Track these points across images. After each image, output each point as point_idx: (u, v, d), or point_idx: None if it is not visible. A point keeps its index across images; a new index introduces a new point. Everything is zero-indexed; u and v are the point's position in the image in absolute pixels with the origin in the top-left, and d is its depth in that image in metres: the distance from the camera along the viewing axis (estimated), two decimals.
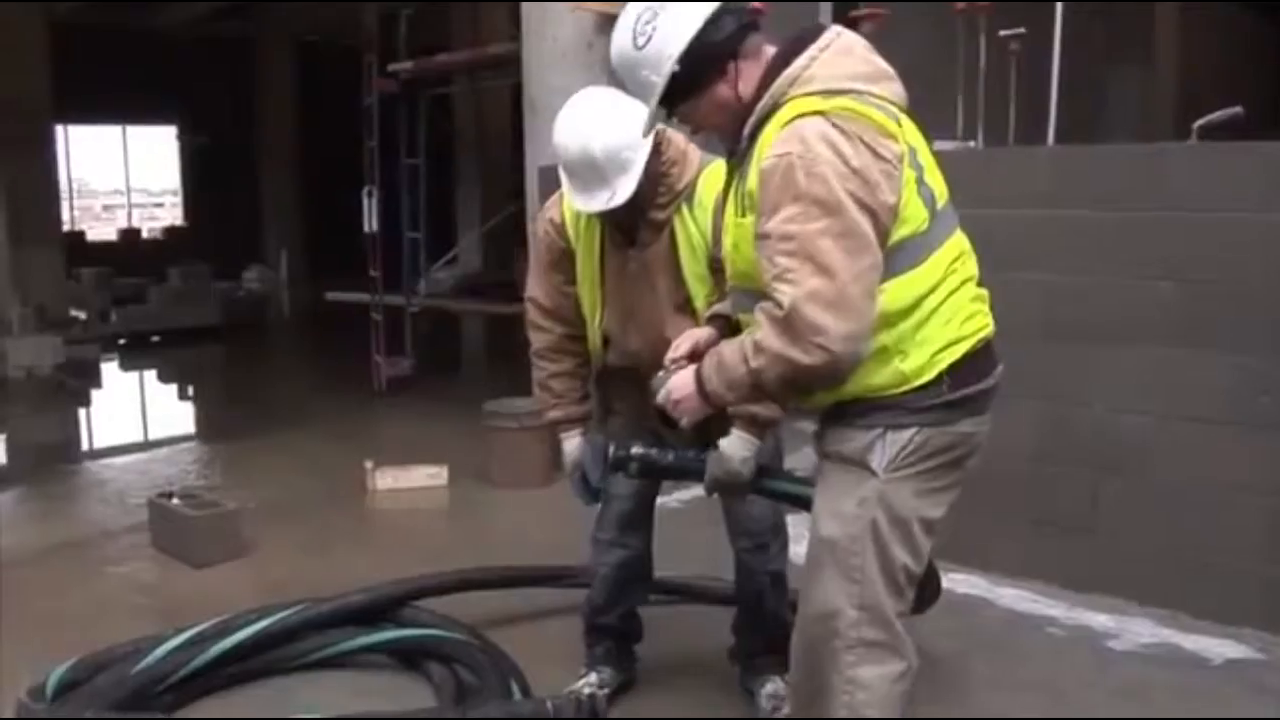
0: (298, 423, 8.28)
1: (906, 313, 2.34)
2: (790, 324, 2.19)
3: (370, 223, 9.29)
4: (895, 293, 2.31)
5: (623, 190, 3.06)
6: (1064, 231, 4.51)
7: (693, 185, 3.19)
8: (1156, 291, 4.31)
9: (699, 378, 2.43)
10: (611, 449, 3.11)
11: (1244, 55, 14.63)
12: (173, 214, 21.79)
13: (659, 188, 3.16)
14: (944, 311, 2.39)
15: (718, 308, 2.80)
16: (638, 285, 3.26)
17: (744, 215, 2.39)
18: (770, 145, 2.29)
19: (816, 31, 2.44)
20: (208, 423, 9.36)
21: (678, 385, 2.49)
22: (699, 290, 3.20)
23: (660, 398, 2.53)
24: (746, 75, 2.42)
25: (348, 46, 11.88)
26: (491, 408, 6.42)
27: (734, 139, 2.47)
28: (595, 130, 3.05)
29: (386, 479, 6.38)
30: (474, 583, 4.35)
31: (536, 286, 3.50)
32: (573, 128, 3.10)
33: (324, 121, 18.64)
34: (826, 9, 5.12)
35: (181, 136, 20.52)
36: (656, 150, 3.11)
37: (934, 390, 2.38)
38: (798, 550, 3.89)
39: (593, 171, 3.06)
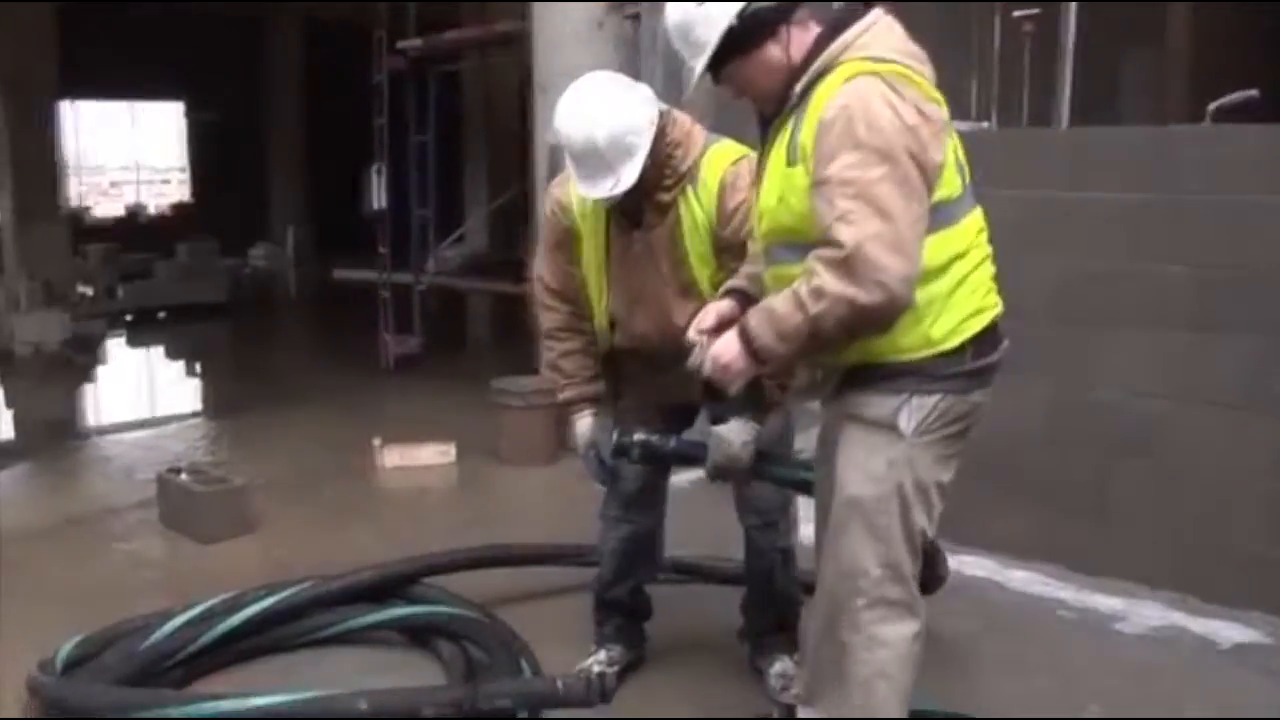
0: (305, 399, 8.28)
1: (938, 273, 2.44)
2: (852, 264, 2.28)
3: (378, 200, 9.27)
4: (931, 249, 2.40)
5: (627, 177, 3.05)
6: (1077, 214, 4.49)
7: (696, 166, 3.18)
8: (1169, 275, 4.29)
9: (746, 336, 2.48)
10: (615, 435, 3.12)
11: (1256, 38, 14.50)
12: (180, 190, 21.75)
13: (664, 170, 3.15)
14: (971, 280, 2.51)
15: (733, 282, 2.83)
16: (643, 267, 3.25)
17: (793, 165, 2.46)
18: (828, 99, 2.39)
19: (859, 11, 2.54)
20: (215, 399, 9.37)
21: (723, 350, 2.53)
22: (703, 272, 3.20)
23: (707, 369, 2.57)
24: (797, 41, 2.52)
25: (355, 24, 11.85)
26: (499, 385, 6.42)
27: (776, 103, 2.55)
28: (599, 117, 3.03)
29: (394, 456, 6.38)
30: (484, 560, 4.35)
31: (544, 266, 3.50)
32: (576, 115, 3.08)
33: (331, 99, 18.58)
34: None
35: (189, 113, 20.48)
36: (661, 132, 3.10)
37: (957, 358, 2.50)
38: (806, 530, 3.91)
39: (597, 159, 3.05)
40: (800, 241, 2.45)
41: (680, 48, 2.61)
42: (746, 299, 2.70)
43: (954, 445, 2.57)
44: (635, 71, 6.22)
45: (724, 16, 2.49)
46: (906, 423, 2.49)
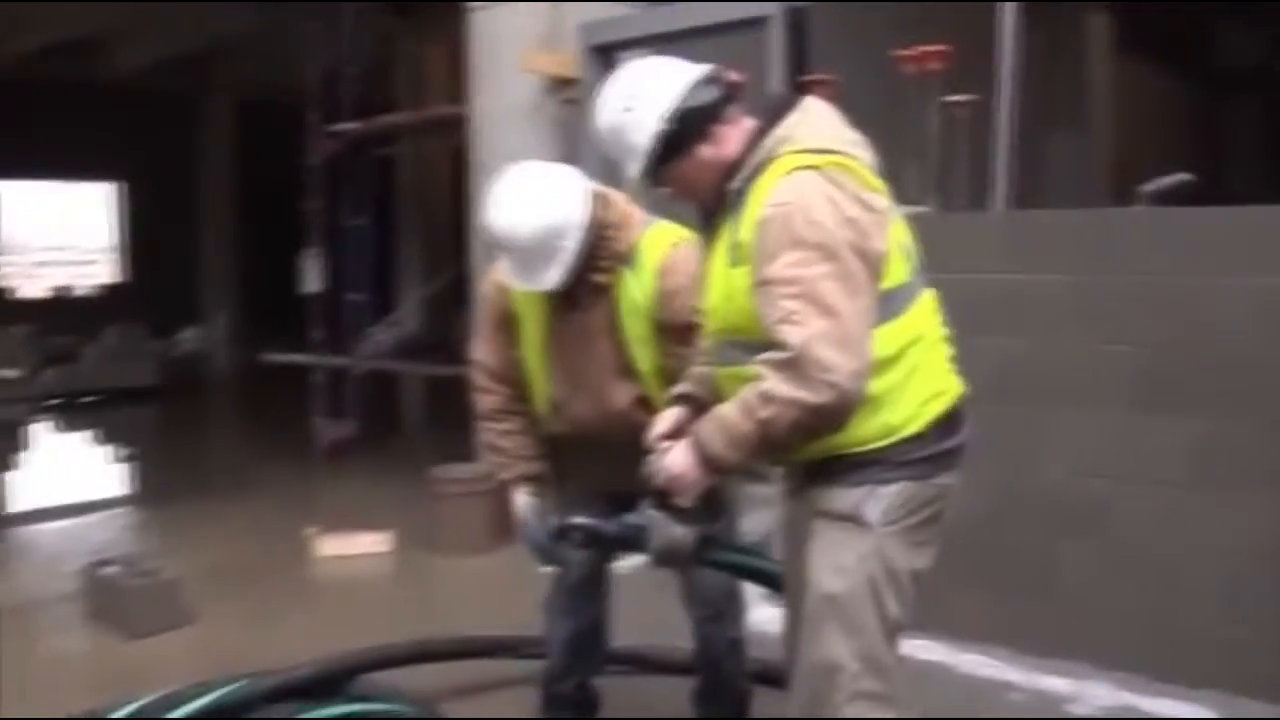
0: (238, 487, 8.11)
1: (893, 361, 2.42)
2: (800, 365, 2.25)
3: (313, 283, 9.17)
4: (882, 340, 2.38)
5: (556, 272, 3.03)
6: (1017, 296, 4.53)
7: (634, 248, 3.16)
8: (1111, 355, 4.33)
9: (697, 446, 2.44)
10: (557, 520, 3.07)
11: (1178, 120, 14.96)
12: (109, 271, 21.44)
13: (600, 252, 3.12)
14: (927, 365, 2.50)
15: (682, 388, 2.80)
16: (581, 348, 3.22)
17: (735, 266, 2.43)
18: (766, 197, 2.37)
19: (793, 99, 2.55)
20: (144, 487, 9.08)
21: (675, 461, 2.50)
22: (642, 354, 3.18)
23: (660, 480, 2.52)
24: (730, 138, 2.51)
25: (290, 105, 11.82)
26: (437, 473, 6.30)
27: (713, 201, 2.54)
28: (529, 215, 2.99)
29: (330, 546, 6.24)
30: (426, 654, 4.24)
31: (482, 348, 3.45)
32: (506, 210, 3.04)
33: (264, 181, 18.48)
34: (777, 76, 5.13)
35: (119, 194, 20.26)
36: (596, 215, 3.08)
37: (920, 443, 2.48)
38: (756, 615, 3.86)
39: (527, 254, 3.03)
40: (749, 341, 2.42)
41: (614, 153, 2.59)
42: (697, 404, 2.68)
43: (925, 531, 2.54)
44: (573, 154, 6.24)
45: (655, 121, 2.48)
46: (872, 513, 2.46)
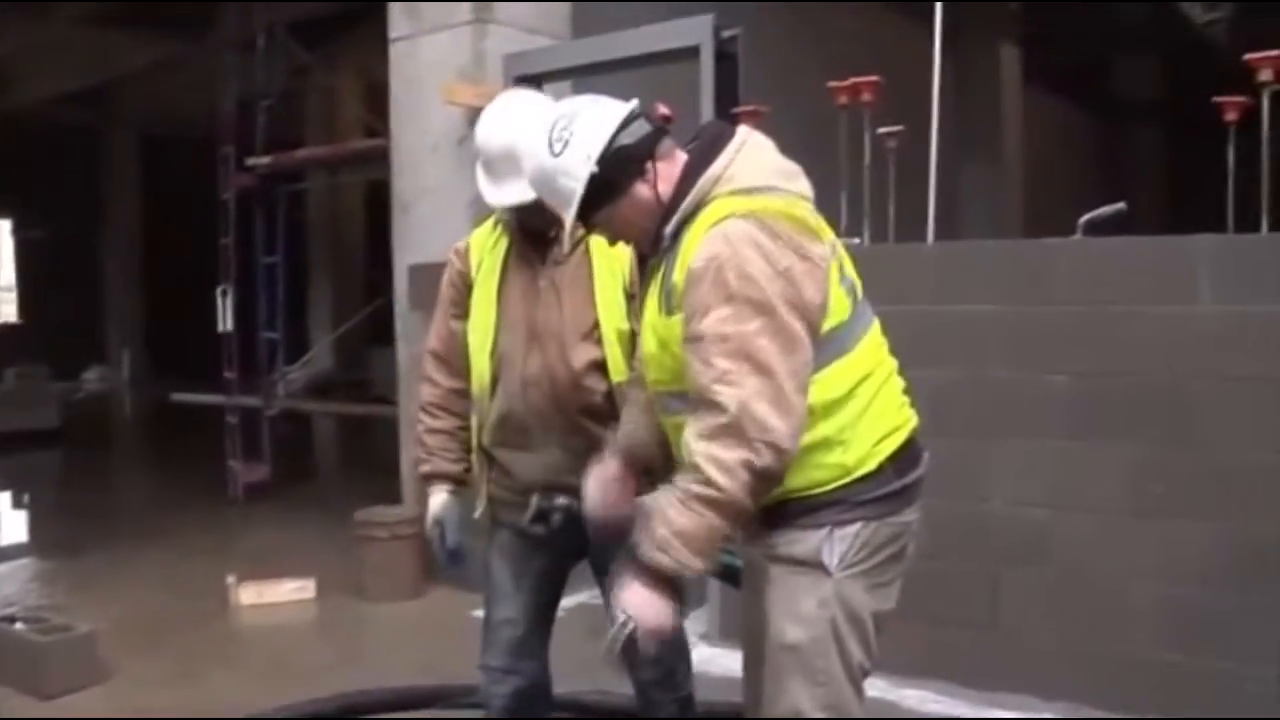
0: (149, 534, 7.78)
1: (843, 401, 2.35)
2: (738, 428, 2.16)
3: (224, 322, 8.94)
4: (830, 381, 2.32)
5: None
6: (953, 328, 4.52)
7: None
8: (1047, 384, 4.34)
9: (661, 574, 2.27)
10: (535, 500, 2.98)
11: (1083, 151, 15.32)
12: (7, 311, 20.82)
13: None
14: (880, 400, 2.43)
15: (622, 444, 2.71)
16: (546, 304, 3.08)
17: (670, 314, 2.34)
18: (697, 246, 2.27)
19: (726, 132, 2.45)
20: (49, 536, 8.55)
21: (642, 613, 2.30)
22: (610, 316, 3.04)
23: (643, 645, 2.33)
24: (664, 175, 2.41)
25: (197, 139, 11.59)
26: (362, 516, 6.11)
27: (651, 243, 2.44)
28: (522, 124, 2.88)
29: (250, 594, 6.01)
30: (358, 707, 4.08)
31: (433, 334, 3.33)
32: (497, 120, 3.00)
33: (170, 215, 18.14)
34: (708, 106, 5.08)
35: (16, 229, 19.71)
36: None
37: (877, 481, 2.40)
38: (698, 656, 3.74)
39: (510, 162, 2.91)
40: (686, 392, 2.32)
41: (545, 199, 2.49)
42: (633, 460, 2.64)
43: (887, 571, 2.46)
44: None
45: (584, 163, 2.36)
46: (830, 557, 2.38)
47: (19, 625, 4.96)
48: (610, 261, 3.06)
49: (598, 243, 3.02)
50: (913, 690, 4.52)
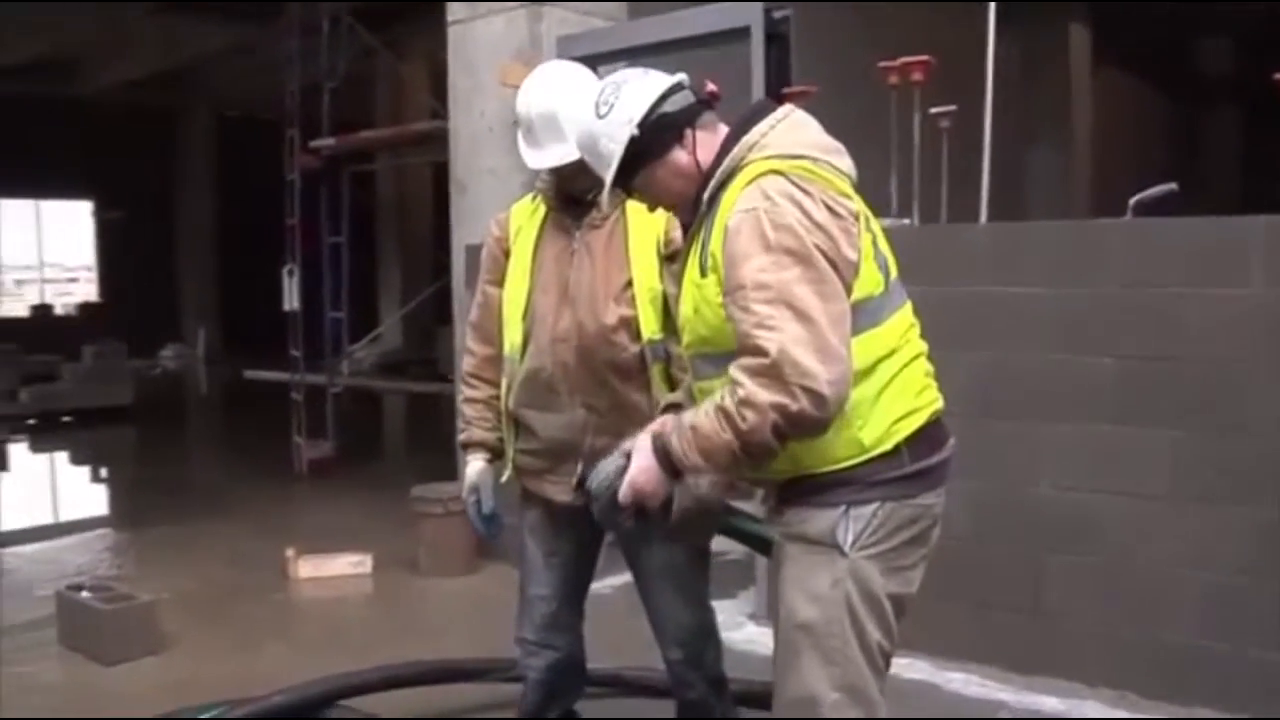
0: (215, 508, 7.97)
1: (864, 375, 2.33)
2: (778, 371, 2.16)
3: (291, 301, 9.09)
4: (855, 351, 2.30)
5: (575, 145, 2.91)
6: (1001, 309, 4.48)
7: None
8: (1094, 368, 4.29)
9: (666, 458, 2.34)
10: (580, 468, 2.93)
11: (1155, 131, 15.00)
12: (87, 290, 21.33)
13: None
14: (900, 380, 2.41)
15: (673, 397, 2.75)
16: (579, 265, 3.14)
17: (705, 275, 2.38)
18: (733, 204, 2.32)
19: (769, 107, 2.50)
20: (121, 509, 8.93)
21: (641, 478, 2.39)
22: (644, 276, 3.08)
23: (624, 494, 2.41)
24: (704, 144, 2.47)
25: (269, 121, 11.75)
26: (418, 493, 6.21)
27: (689, 209, 2.49)
28: (562, 89, 3.04)
29: (308, 568, 6.14)
30: (403, 679, 4.16)
31: (474, 305, 3.40)
32: (538, 87, 3.11)
33: (244, 196, 18.42)
34: (758, 86, 5.07)
35: (97, 211, 20.15)
36: None
37: (893, 462, 2.39)
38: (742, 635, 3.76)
39: (550, 126, 3.02)
40: (717, 353, 2.36)
41: (589, 160, 2.59)
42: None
43: (908, 553, 2.45)
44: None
45: (626, 126, 2.45)
46: (844, 537, 2.37)
47: (85, 594, 5.11)
48: (645, 224, 3.10)
49: (634, 206, 3.06)
50: (956, 673, 4.51)
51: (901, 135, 5.01)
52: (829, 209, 2.29)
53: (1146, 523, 4.22)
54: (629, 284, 3.11)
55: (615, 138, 2.46)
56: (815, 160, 2.36)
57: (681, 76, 2.53)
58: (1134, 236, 4.29)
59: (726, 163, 2.41)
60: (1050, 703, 4.26)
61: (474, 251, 6.27)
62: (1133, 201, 4.36)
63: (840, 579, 2.37)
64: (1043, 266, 4.42)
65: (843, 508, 2.37)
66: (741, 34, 5.13)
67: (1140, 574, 4.23)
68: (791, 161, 2.33)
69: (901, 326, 2.45)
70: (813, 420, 2.19)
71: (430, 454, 8.09)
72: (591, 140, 2.52)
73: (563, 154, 3.01)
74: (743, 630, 4.99)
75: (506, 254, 3.28)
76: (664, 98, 2.47)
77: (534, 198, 3.29)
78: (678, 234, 2.95)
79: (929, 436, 2.46)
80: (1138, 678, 4.21)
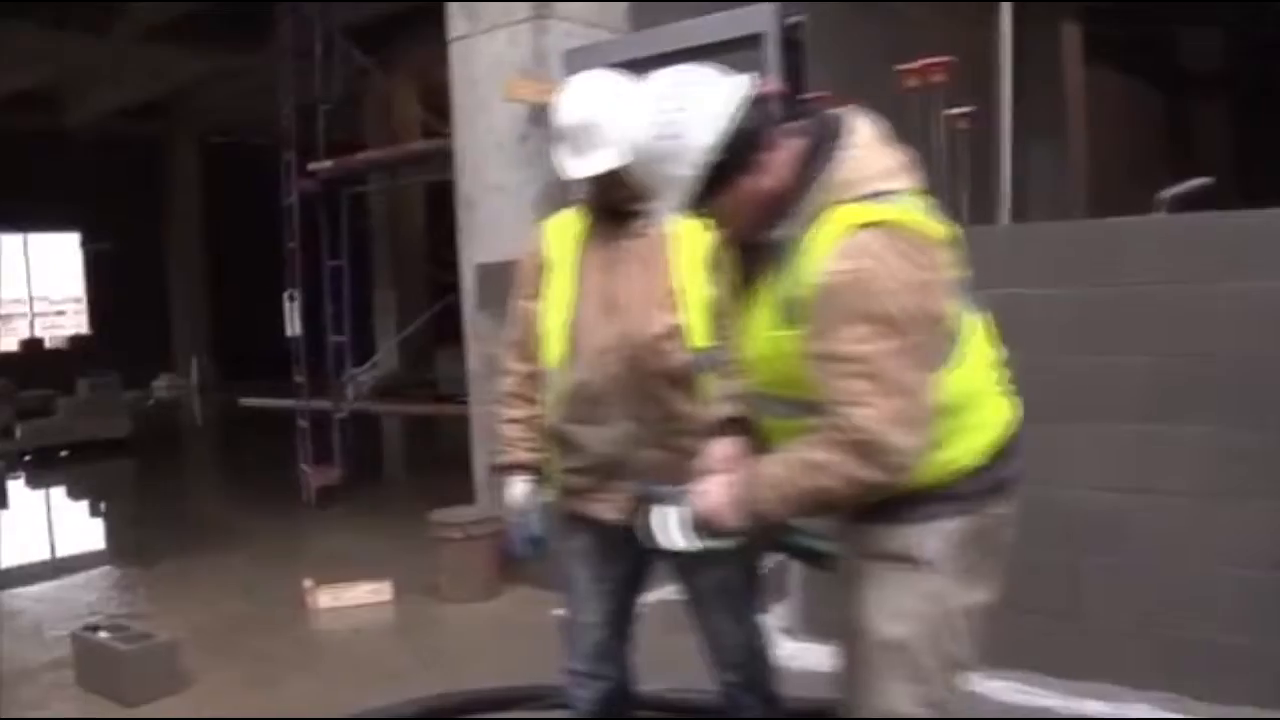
0: (223, 540, 7.86)
1: (949, 408, 2.29)
2: (870, 451, 2.14)
3: (293, 326, 8.98)
4: (949, 385, 2.27)
5: (617, 152, 2.86)
6: (1027, 311, 4.40)
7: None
8: (1129, 366, 4.22)
9: (744, 493, 2.32)
10: (634, 486, 2.84)
11: (1148, 130, 14.99)
12: (77, 322, 21.18)
13: None
14: (985, 393, 2.41)
15: (728, 411, 2.61)
16: (624, 274, 3.05)
17: (790, 326, 2.24)
18: (826, 257, 2.17)
19: (839, 123, 2.31)
20: (126, 544, 8.72)
21: (714, 496, 2.36)
22: (691, 283, 2.97)
23: (698, 504, 2.38)
24: (778, 163, 2.28)
25: (257, 146, 11.69)
26: (437, 517, 6.10)
27: (751, 237, 2.34)
28: (603, 96, 2.95)
29: (326, 598, 6.02)
30: (437, 711, 4.07)
31: (511, 322, 3.32)
32: (577, 95, 3.01)
33: (234, 223, 18.35)
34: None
35: (85, 243, 20.03)
36: None
37: (975, 474, 2.37)
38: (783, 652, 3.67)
39: (591, 134, 2.93)
40: (795, 398, 2.28)
41: (649, 183, 2.34)
42: (744, 427, 2.53)
43: (985, 564, 2.41)
44: (563, 185, 6.10)
45: (699, 151, 2.21)
46: (931, 552, 2.33)
47: (102, 634, 5.00)
48: (690, 229, 2.96)
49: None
50: (998, 681, 4.41)
51: (918, 139, 4.94)
52: (927, 263, 2.17)
53: (1184, 521, 4.15)
54: (676, 291, 3.03)
55: (686, 162, 2.23)
56: (900, 195, 2.24)
57: (750, 81, 2.30)
58: (1165, 232, 4.22)
59: (809, 201, 2.23)
60: (1095, 706, 4.17)
61: (485, 271, 6.23)
62: (1165, 196, 4.29)
63: (924, 595, 2.34)
64: (1067, 266, 4.35)
65: (924, 523, 2.34)
66: (755, 40, 5.06)
67: (1179, 572, 4.16)
68: (886, 207, 2.19)
69: (982, 350, 2.42)
70: (893, 487, 2.20)
71: (436, 477, 8.00)
72: (654, 163, 2.28)
73: (604, 161, 2.93)
74: (779, 646, 4.89)
75: (545, 266, 3.19)
76: (739, 112, 2.23)
77: (574, 209, 3.22)
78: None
79: (1010, 446, 2.45)
80: (1180, 678, 4.14)
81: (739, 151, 2.23)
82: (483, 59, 6.22)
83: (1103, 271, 4.28)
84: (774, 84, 2.43)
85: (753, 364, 2.41)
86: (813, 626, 4.70)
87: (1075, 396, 4.34)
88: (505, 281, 6.04)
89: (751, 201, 2.29)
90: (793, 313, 2.23)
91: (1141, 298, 4.20)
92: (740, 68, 5.12)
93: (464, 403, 6.78)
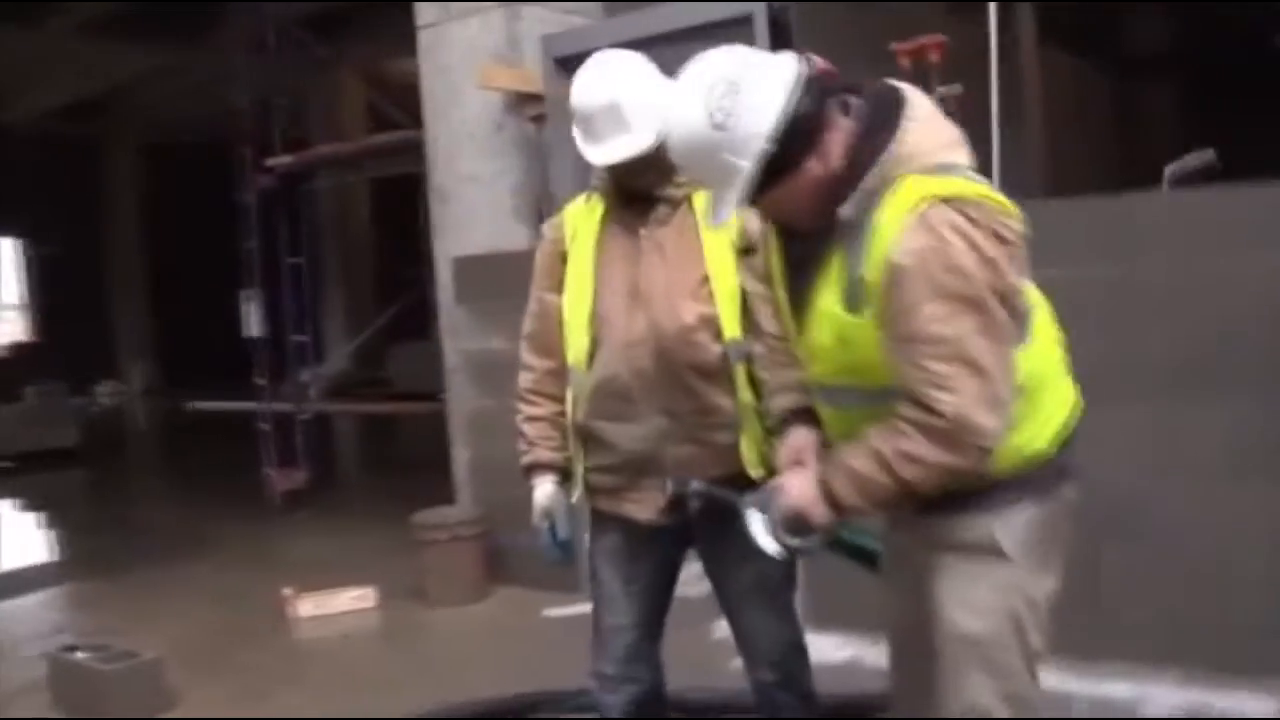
0: (191, 549, 7.59)
1: (1024, 389, 2.21)
2: (954, 435, 2.07)
3: (251, 327, 8.76)
4: (1021, 365, 2.18)
5: (642, 136, 2.78)
6: (1044, 293, 4.33)
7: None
8: (1146, 346, 4.16)
9: (826, 489, 2.23)
10: (669, 484, 2.78)
11: (1100, 110, 15.11)
12: (19, 329, 20.67)
13: (675, 166, 2.76)
14: (1053, 374, 2.34)
15: (792, 402, 2.50)
16: (649, 263, 2.91)
17: (857, 310, 2.14)
18: (897, 234, 2.07)
19: (893, 96, 2.20)
20: (88, 557, 8.22)
21: (799, 495, 2.28)
22: (721, 272, 2.86)
23: (783, 505, 2.31)
24: (833, 145, 2.16)
25: (199, 144, 11.40)
26: (420, 519, 5.92)
27: (811, 223, 2.22)
28: (624, 77, 2.82)
29: (308, 606, 5.83)
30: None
31: (526, 317, 3.17)
32: (595, 77, 2.86)
33: (174, 223, 18.00)
34: None
35: (22, 247, 19.53)
36: None
37: (1046, 459, 2.30)
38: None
39: (612, 118, 2.79)
40: (868, 387, 2.20)
41: (698, 175, 2.25)
42: (813, 418, 2.43)
43: (1058, 550, 2.35)
44: (541, 174, 5.97)
45: (756, 139, 2.08)
46: (1007, 542, 2.25)
47: (80, 654, 4.78)
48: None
49: (702, 197, 2.84)
50: None
51: None
52: (997, 236, 2.08)
53: (1201, 501, 4.09)
54: (705, 280, 2.89)
55: (743, 152, 2.10)
56: (962, 168, 2.15)
57: (800, 63, 2.15)
58: (1178, 208, 4.17)
59: (873, 178, 2.12)
60: (1120, 689, 4.11)
61: (463, 264, 6.06)
62: (1169, 172, 4.23)
63: (1002, 586, 2.28)
64: (1076, 244, 4.27)
65: (998, 511, 2.27)
66: (743, 24, 4.94)
67: (1199, 554, 4.10)
68: (951, 180, 2.10)
69: (1048, 330, 2.35)
70: (977, 471, 2.14)
71: (400, 478, 7.83)
72: (706, 155, 2.14)
73: (628, 147, 2.80)
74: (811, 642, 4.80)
75: (562, 257, 3.05)
76: (795, 95, 2.09)
77: (588, 197, 3.07)
78: (754, 225, 2.70)
79: (1073, 430, 2.38)
80: (1203, 659, 4.08)
81: (798, 136, 2.12)
82: (454, 46, 6.06)
83: (1116, 247, 4.20)
84: (822, 61, 2.28)
85: (816, 353, 2.30)
86: (824, 617, 4.60)
87: (1095, 378, 4.23)
88: (484, 275, 5.97)
89: (810, 186, 2.18)
90: (861, 297, 2.13)
91: (1156, 275, 4.13)
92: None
93: (441, 401, 6.60)
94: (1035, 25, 12.56)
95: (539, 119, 5.81)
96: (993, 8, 4.91)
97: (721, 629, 4.67)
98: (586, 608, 5.28)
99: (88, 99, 15.91)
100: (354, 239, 17.32)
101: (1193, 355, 4.09)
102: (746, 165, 2.11)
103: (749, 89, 2.10)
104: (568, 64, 5.55)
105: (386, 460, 11.71)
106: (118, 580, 7.08)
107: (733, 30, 4.99)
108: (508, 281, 5.91)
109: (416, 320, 13.43)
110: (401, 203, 12.86)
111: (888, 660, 2.62)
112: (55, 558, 8.74)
